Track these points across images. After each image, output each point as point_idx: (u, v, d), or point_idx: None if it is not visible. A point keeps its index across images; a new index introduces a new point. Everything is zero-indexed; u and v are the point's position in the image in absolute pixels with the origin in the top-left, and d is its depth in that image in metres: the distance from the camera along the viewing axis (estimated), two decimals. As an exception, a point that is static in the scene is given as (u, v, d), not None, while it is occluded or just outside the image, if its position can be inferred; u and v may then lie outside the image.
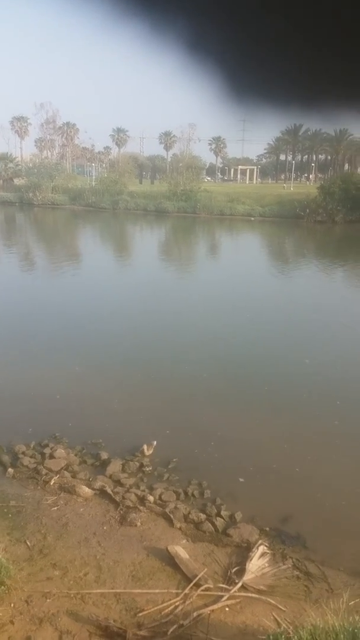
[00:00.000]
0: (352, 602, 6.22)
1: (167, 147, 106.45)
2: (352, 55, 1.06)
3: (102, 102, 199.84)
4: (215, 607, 6.29)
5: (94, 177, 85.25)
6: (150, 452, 9.94)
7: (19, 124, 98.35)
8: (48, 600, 6.23)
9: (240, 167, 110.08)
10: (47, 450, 9.86)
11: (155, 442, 10.07)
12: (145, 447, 9.97)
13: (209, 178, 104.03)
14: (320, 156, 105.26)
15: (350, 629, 5.28)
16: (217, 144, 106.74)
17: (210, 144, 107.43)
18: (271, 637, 5.38)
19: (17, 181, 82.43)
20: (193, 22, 1.10)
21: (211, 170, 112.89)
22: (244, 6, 1.05)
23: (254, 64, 1.16)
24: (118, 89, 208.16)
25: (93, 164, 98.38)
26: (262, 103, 1.24)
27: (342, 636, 5.23)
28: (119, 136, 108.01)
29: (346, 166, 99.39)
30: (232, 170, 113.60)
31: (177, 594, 6.46)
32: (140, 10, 1.08)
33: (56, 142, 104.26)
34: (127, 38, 1.12)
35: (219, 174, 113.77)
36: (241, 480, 9.19)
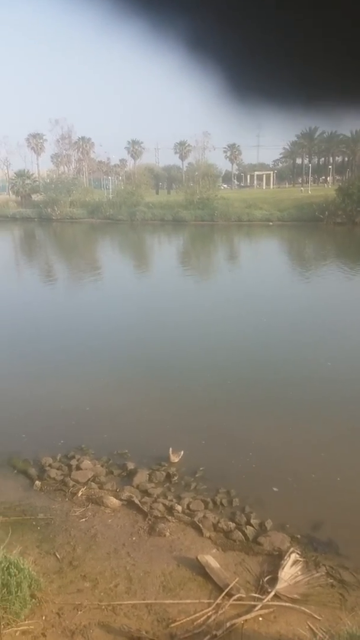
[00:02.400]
0: (390, 610, 6.06)
1: (183, 157, 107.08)
2: (354, 53, 1.05)
3: (115, 115, 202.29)
4: (248, 616, 6.17)
5: (110, 190, 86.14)
6: (177, 459, 9.88)
7: (35, 141, 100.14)
8: (79, 612, 6.20)
9: (256, 172, 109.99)
10: (73, 462, 9.88)
11: (182, 452, 10.01)
12: (170, 451, 9.94)
13: (225, 185, 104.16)
14: (337, 158, 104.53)
15: (388, 638, 5.14)
16: (232, 151, 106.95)
17: (225, 152, 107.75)
18: (307, 647, 5.26)
19: (35, 197, 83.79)
20: (194, 21, 1.09)
21: (227, 178, 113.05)
22: (244, 5, 1.05)
23: (255, 62, 1.15)
24: (129, 99, 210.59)
25: (109, 177, 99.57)
26: (263, 102, 1.23)
27: (380, 645, 5.09)
28: (134, 148, 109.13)
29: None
30: (249, 176, 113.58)
31: (209, 604, 6.36)
32: (140, 10, 1.07)
33: (72, 157, 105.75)
34: (128, 39, 1.11)
35: (235, 180, 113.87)
36: (275, 489, 9.03)
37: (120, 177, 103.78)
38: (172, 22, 1.08)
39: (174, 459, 9.90)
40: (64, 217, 74.72)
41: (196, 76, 1.18)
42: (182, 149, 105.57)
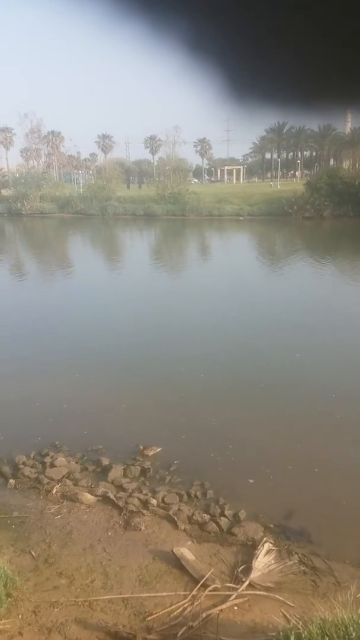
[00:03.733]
0: (360, 594, 6.25)
1: (153, 151, 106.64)
2: (354, 54, 1.05)
3: (85, 108, 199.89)
4: (223, 606, 6.28)
5: (81, 185, 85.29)
6: (151, 453, 9.95)
7: (4, 135, 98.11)
8: (56, 609, 6.21)
9: (226, 167, 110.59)
10: (47, 460, 9.83)
11: (159, 449, 10.11)
12: (141, 448, 10.05)
13: (196, 180, 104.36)
14: (305, 153, 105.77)
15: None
16: (203, 145, 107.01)
17: (195, 146, 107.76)
18: (281, 633, 5.38)
19: (4, 192, 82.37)
20: (194, 22, 1.08)
21: (198, 172, 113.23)
22: (244, 5, 1.04)
23: (255, 63, 1.15)
24: (99, 95, 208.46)
25: (80, 172, 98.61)
26: (262, 102, 1.23)
27: (351, 629, 5.24)
28: (105, 142, 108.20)
29: (331, 161, 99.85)
30: (219, 171, 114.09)
31: (185, 596, 6.45)
32: (138, 11, 1.06)
33: (42, 151, 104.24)
34: (122, 40, 1.10)
35: (205, 175, 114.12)
36: (250, 481, 9.16)
37: (90, 172, 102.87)
38: (171, 24, 1.08)
39: (148, 452, 9.96)
40: (34, 211, 73.62)
41: (196, 77, 1.17)
42: (152, 143, 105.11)
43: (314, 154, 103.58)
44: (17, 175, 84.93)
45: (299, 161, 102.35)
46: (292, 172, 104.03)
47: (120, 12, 1.05)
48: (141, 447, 10.06)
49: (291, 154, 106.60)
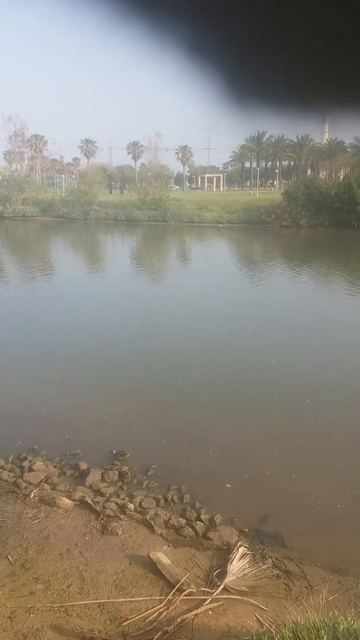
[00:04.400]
0: (331, 597, 6.40)
1: (135, 157, 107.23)
2: (352, 58, 1.07)
3: (68, 113, 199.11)
4: (198, 611, 6.35)
5: (64, 189, 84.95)
6: (121, 459, 10.06)
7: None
8: (32, 615, 6.21)
9: (207, 175, 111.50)
10: (25, 464, 9.80)
11: (128, 454, 10.21)
12: (114, 452, 10.14)
13: (177, 187, 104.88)
14: (283, 162, 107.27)
15: (331, 624, 5.42)
16: (184, 152, 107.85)
17: (177, 153, 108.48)
18: (254, 637, 5.48)
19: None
20: (193, 26, 1.10)
21: (179, 179, 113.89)
22: (243, 9, 1.06)
23: (254, 67, 1.17)
24: (85, 99, 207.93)
25: (63, 176, 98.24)
26: (261, 106, 1.25)
27: (322, 632, 5.37)
28: (88, 147, 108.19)
29: (309, 171, 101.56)
30: (199, 178, 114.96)
31: (161, 601, 6.51)
32: (139, 15, 1.08)
33: (25, 155, 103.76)
34: (127, 42, 1.11)
35: (186, 182, 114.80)
36: (228, 485, 9.26)
37: (73, 176, 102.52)
38: (171, 27, 1.09)
39: (119, 458, 10.09)
40: (17, 214, 73.27)
41: (195, 80, 1.19)
42: (135, 149, 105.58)
43: (292, 163, 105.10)
44: (0, 177, 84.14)
45: (277, 170, 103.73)
46: (270, 181, 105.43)
47: (119, 15, 1.08)
48: (114, 452, 10.12)
49: (270, 163, 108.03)
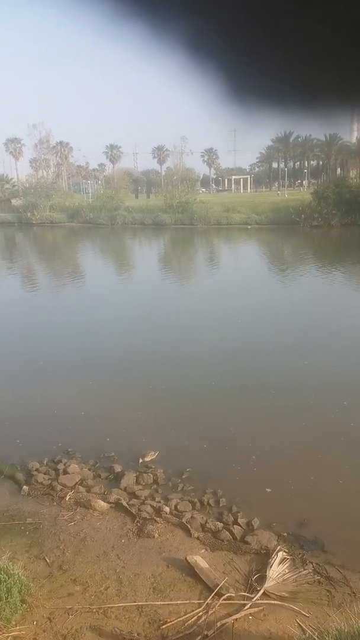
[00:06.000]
0: (376, 605, 6.19)
1: (161, 161, 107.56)
2: (354, 57, 1.06)
3: (93, 119, 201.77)
4: (238, 616, 6.24)
5: (90, 194, 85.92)
6: (149, 459, 10.00)
7: (13, 145, 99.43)
8: (70, 616, 6.21)
9: (233, 177, 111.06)
10: (60, 466, 9.85)
11: (158, 452, 10.17)
12: (146, 454, 10.09)
13: (203, 189, 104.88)
14: (312, 162, 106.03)
15: (376, 632, 5.25)
16: (210, 155, 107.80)
17: (202, 156, 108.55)
18: (297, 643, 5.35)
19: (14, 201, 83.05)
20: (194, 24, 1.09)
21: (205, 182, 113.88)
22: (245, 7, 1.05)
23: (255, 65, 1.15)
24: (107, 105, 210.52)
25: (89, 181, 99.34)
26: (262, 105, 1.24)
27: (367, 639, 5.20)
28: (113, 152, 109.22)
29: (338, 170, 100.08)
30: (226, 180, 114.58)
31: (200, 604, 6.42)
32: (139, 13, 1.07)
33: (51, 162, 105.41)
34: (125, 42, 1.11)
35: (213, 184, 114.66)
36: (268, 490, 9.08)
37: (99, 182, 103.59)
38: (172, 25, 1.08)
39: (147, 458, 10.03)
40: (44, 221, 74.35)
41: (196, 79, 1.17)
42: (160, 153, 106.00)
43: (321, 163, 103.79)
44: (27, 185, 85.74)
45: (305, 170, 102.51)
46: (299, 181, 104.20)
47: (123, 16, 1.07)
48: (140, 460, 10.05)
49: (298, 163, 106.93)
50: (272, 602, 6.52)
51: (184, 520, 8.17)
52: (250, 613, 6.33)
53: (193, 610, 6.34)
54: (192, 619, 6.20)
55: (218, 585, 6.66)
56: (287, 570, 7.09)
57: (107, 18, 1.06)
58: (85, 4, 1.09)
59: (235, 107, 1.22)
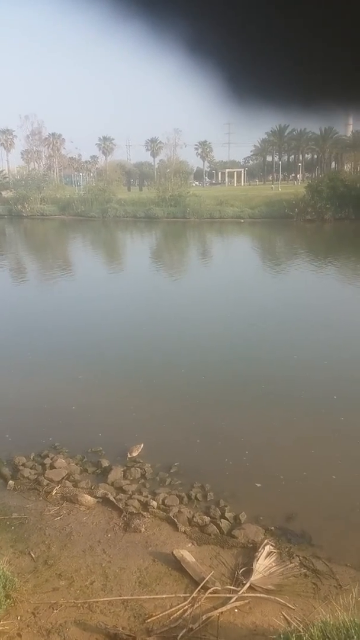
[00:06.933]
0: (361, 597, 6.20)
1: (154, 154, 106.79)
2: (354, 55, 1.05)
3: (85, 110, 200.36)
4: (224, 609, 6.24)
5: (82, 187, 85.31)
6: (136, 453, 9.95)
7: (4, 137, 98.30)
8: (55, 611, 6.17)
9: (227, 170, 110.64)
10: (47, 461, 9.79)
11: (142, 445, 10.13)
12: (132, 449, 10.03)
13: (196, 183, 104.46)
14: (306, 155, 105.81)
15: (361, 624, 5.26)
16: (204, 148, 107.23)
17: (196, 149, 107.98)
18: (282, 636, 5.35)
19: (4, 194, 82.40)
20: (194, 23, 1.08)
21: (199, 175, 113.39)
22: (244, 6, 1.03)
23: (255, 64, 1.15)
24: (100, 97, 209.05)
25: (81, 174, 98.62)
26: (262, 104, 1.22)
27: (352, 631, 5.21)
28: (106, 144, 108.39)
29: (333, 164, 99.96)
30: (220, 173, 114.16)
31: (185, 598, 6.41)
32: (138, 12, 1.05)
33: (42, 154, 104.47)
34: (122, 41, 1.10)
35: (206, 178, 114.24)
36: (258, 485, 9.05)
37: (91, 174, 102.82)
38: (171, 24, 1.07)
39: (134, 453, 9.97)
40: (35, 213, 73.70)
41: (195, 78, 1.16)
42: (153, 146, 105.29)
43: (315, 156, 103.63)
44: (18, 177, 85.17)
45: (300, 164, 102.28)
46: (293, 174, 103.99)
47: (119, 13, 1.05)
48: (128, 455, 9.98)
49: (292, 156, 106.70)
50: (258, 595, 6.53)
51: (171, 514, 8.15)
52: (236, 606, 6.33)
53: (179, 604, 6.33)
54: (178, 613, 6.20)
55: (204, 579, 6.65)
56: (273, 564, 7.09)
57: (105, 15, 1.05)
58: (84, 2, 1.08)
59: (235, 105, 1.21)
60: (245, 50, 1.11)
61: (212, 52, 1.12)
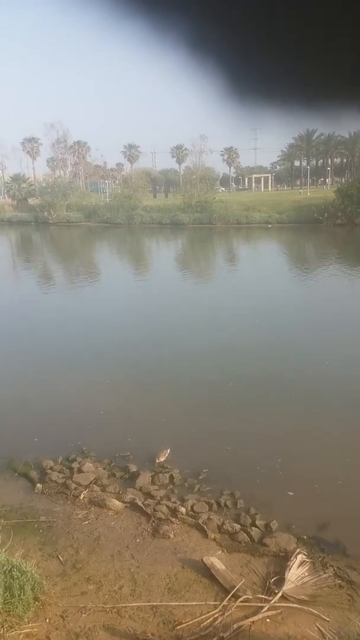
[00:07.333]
0: None
1: (180, 161, 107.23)
2: (356, 54, 1.04)
3: (110, 118, 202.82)
4: (255, 618, 6.07)
5: (107, 194, 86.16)
6: (164, 458, 9.84)
7: (30, 145, 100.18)
8: (84, 615, 6.10)
9: (254, 175, 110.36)
10: (75, 465, 9.77)
11: (169, 450, 10.04)
12: (159, 454, 9.94)
13: (223, 189, 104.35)
14: (335, 160, 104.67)
15: None
16: (230, 154, 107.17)
17: (222, 155, 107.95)
18: (317, 648, 5.17)
19: (31, 201, 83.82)
20: (195, 22, 1.08)
21: (225, 181, 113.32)
22: (245, 5, 1.04)
23: (257, 63, 1.14)
24: (125, 103, 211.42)
25: (106, 181, 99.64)
26: (264, 103, 1.22)
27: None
28: (131, 152, 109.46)
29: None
30: (247, 179, 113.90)
31: (216, 606, 6.26)
32: (140, 11, 1.06)
33: (68, 161, 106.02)
34: (128, 39, 1.10)
35: (233, 183, 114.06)
36: (290, 493, 8.83)
37: (117, 181, 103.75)
38: (172, 23, 1.08)
39: (162, 458, 9.86)
40: (61, 220, 74.76)
41: (197, 77, 1.16)
42: (179, 152, 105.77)
43: (345, 160, 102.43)
44: (44, 184, 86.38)
45: (329, 168, 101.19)
46: (322, 179, 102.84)
47: (121, 12, 1.06)
48: (156, 460, 9.88)
49: (321, 161, 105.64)
50: (291, 605, 6.33)
51: (200, 521, 8.00)
52: (267, 616, 6.15)
53: (209, 612, 6.18)
54: (208, 621, 6.05)
55: (235, 587, 6.49)
56: (306, 574, 6.88)
57: (109, 17, 1.07)
58: (87, 3, 1.09)
59: (236, 104, 1.22)
60: (247, 49, 1.12)
61: (212, 50, 1.13)
